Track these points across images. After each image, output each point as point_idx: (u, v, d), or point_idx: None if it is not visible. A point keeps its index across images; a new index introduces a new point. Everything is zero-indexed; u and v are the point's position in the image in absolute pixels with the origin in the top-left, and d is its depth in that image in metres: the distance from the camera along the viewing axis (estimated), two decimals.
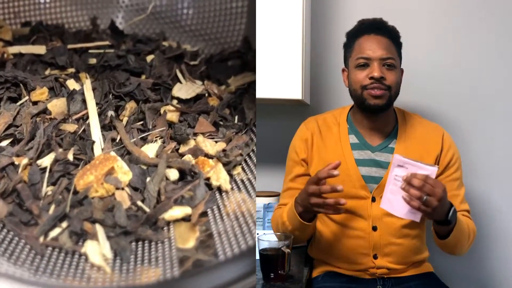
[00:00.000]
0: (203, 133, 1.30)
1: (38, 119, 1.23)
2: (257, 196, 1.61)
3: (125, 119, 1.31)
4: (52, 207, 1.06)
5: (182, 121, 1.34)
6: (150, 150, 1.20)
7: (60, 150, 1.16)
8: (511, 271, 1.80)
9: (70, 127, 1.22)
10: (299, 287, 1.27)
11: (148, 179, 1.14)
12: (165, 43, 1.65)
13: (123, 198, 1.10)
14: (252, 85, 1.54)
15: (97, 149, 1.18)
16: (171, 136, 1.27)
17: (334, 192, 1.19)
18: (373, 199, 1.39)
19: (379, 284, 1.40)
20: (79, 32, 1.62)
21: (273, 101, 1.66)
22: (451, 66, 1.78)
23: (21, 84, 1.31)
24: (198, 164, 1.20)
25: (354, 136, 1.44)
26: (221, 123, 1.35)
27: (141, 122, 1.32)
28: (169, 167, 1.17)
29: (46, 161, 1.13)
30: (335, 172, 1.19)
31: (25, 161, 1.10)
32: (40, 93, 1.29)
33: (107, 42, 1.53)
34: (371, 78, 1.33)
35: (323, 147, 1.43)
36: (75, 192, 1.08)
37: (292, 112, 1.81)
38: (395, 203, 1.21)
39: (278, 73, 1.53)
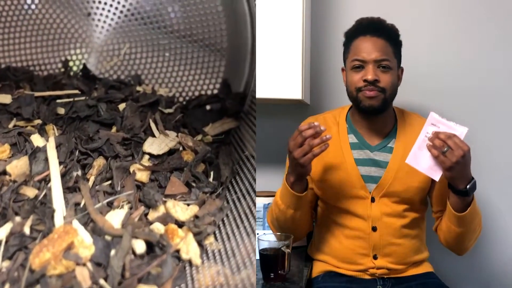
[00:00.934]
0: (174, 195, 1.23)
1: None
2: (257, 196, 1.61)
3: (91, 179, 1.24)
4: (7, 286, 0.98)
5: (154, 180, 1.27)
6: (115, 218, 1.13)
7: (18, 219, 1.08)
8: (511, 271, 1.83)
9: (30, 191, 1.14)
10: (299, 287, 1.29)
11: (112, 252, 1.06)
12: (140, 88, 1.57)
13: (84, 276, 1.02)
14: (228, 133, 1.49)
15: (58, 217, 1.10)
16: (140, 199, 1.20)
17: (312, 129, 1.23)
18: (373, 199, 1.41)
19: (379, 284, 1.42)
20: (49, 77, 1.54)
21: (273, 101, 1.67)
22: (451, 65, 1.80)
23: None
24: (167, 233, 1.13)
25: (353, 135, 1.46)
26: (194, 184, 1.28)
27: (109, 182, 1.24)
28: (135, 237, 1.09)
29: (1, 233, 1.05)
30: (316, 123, 1.24)
31: None
32: (1, 151, 1.21)
33: (76, 91, 1.45)
34: (365, 80, 1.36)
35: None
36: (32, 270, 1.00)
37: (292, 112, 1.82)
38: (419, 158, 1.27)
39: (278, 73, 1.54)
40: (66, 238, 1.04)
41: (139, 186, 1.23)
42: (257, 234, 1.42)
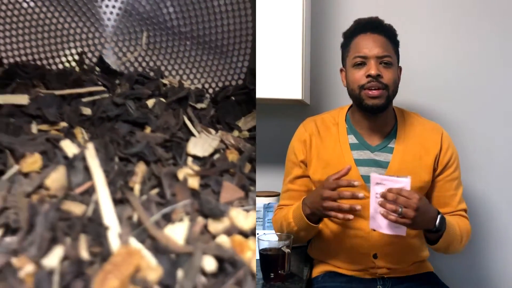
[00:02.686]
0: (231, 202, 1.12)
1: (35, 197, 1.01)
2: (257, 196, 1.63)
3: (136, 188, 1.11)
4: None
5: (204, 185, 1.15)
6: (177, 232, 1.00)
7: (69, 241, 0.94)
8: (510, 271, 1.85)
9: (76, 207, 1.00)
10: (299, 287, 1.29)
11: (180, 272, 0.95)
12: (165, 81, 1.44)
13: None
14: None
15: (113, 236, 0.97)
16: (197, 209, 1.08)
17: (354, 199, 1.23)
18: None
19: (379, 284, 1.42)
20: (63, 73, 1.38)
21: (273, 101, 1.67)
22: (451, 65, 1.81)
23: (7, 151, 1.08)
24: (235, 248, 1.01)
25: (353, 136, 1.45)
26: (252, 188, 1.16)
27: (157, 190, 1.12)
28: (203, 254, 0.98)
29: (53, 260, 0.91)
30: (356, 182, 1.24)
31: (29, 268, 0.88)
32: (32, 162, 1.06)
33: (101, 88, 1.31)
34: (368, 76, 1.34)
35: (322, 147, 1.45)
36: None
37: (292, 112, 1.84)
38: (379, 221, 1.26)
39: (278, 73, 1.54)
40: (131, 261, 0.91)
41: (193, 193, 1.11)
42: (257, 234, 1.44)
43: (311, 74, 1.81)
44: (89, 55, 1.47)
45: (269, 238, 1.33)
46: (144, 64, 1.49)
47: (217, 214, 1.05)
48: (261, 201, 1.63)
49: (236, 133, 1.37)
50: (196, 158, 1.21)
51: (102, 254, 0.94)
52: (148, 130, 1.25)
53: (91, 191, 1.06)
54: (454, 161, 1.44)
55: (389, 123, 1.44)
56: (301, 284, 1.30)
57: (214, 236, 1.04)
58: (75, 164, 1.08)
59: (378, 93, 1.34)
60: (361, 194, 1.22)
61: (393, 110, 1.46)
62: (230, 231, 1.05)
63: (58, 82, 1.33)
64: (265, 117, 1.85)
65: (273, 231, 1.47)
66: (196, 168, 1.16)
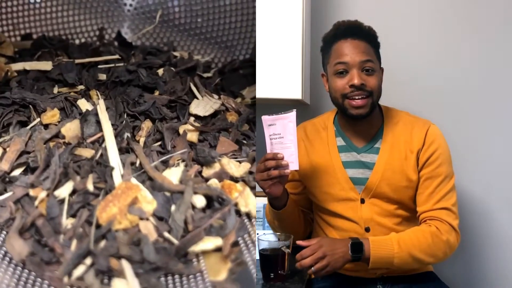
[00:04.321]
0: (226, 154, 1.27)
1: (51, 144, 1.19)
2: (256, 196, 1.60)
3: (141, 140, 1.28)
4: (74, 242, 1.02)
5: (202, 140, 1.31)
6: (173, 175, 1.16)
7: (78, 178, 1.12)
8: (510, 271, 1.83)
9: (86, 152, 1.18)
10: (299, 287, 1.30)
11: (173, 207, 1.11)
12: (176, 53, 1.61)
13: (149, 229, 1.06)
14: None
15: (117, 176, 1.14)
16: (193, 158, 1.24)
17: (276, 160, 1.25)
18: (362, 201, 1.41)
19: (379, 284, 1.43)
20: (84, 45, 1.57)
21: (273, 101, 1.68)
22: (451, 65, 1.80)
23: (30, 106, 1.27)
24: (224, 189, 1.16)
25: (341, 138, 1.46)
26: (244, 141, 1.31)
27: (159, 143, 1.28)
28: (195, 192, 1.13)
29: (64, 191, 1.09)
30: (280, 154, 1.25)
31: (42, 194, 1.06)
32: (51, 115, 1.25)
33: (116, 56, 1.49)
34: (352, 86, 1.34)
35: (312, 151, 1.46)
36: (97, 225, 1.04)
37: None
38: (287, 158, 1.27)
39: (278, 73, 1.54)
40: (130, 194, 1.08)
41: (191, 145, 1.27)
42: (257, 234, 1.45)
43: (311, 74, 1.79)
44: (109, 31, 1.66)
45: (268, 238, 1.34)
46: (158, 39, 1.66)
47: (209, 160, 1.21)
48: (261, 201, 1.64)
49: (239, 99, 1.51)
50: (197, 117, 1.36)
51: (105, 189, 1.11)
52: (156, 93, 1.41)
53: (101, 141, 1.23)
54: (438, 157, 1.40)
55: (375, 124, 1.44)
56: (301, 284, 1.32)
57: (206, 180, 1.20)
58: (88, 118, 1.25)
59: (362, 103, 1.34)
60: (280, 155, 1.25)
61: (379, 111, 1.46)
62: (221, 177, 1.20)
63: (80, 52, 1.52)
64: None
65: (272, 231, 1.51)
66: (196, 124, 1.32)
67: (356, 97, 1.35)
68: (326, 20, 1.80)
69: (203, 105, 1.39)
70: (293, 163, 1.26)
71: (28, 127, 1.23)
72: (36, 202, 1.07)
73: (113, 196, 1.07)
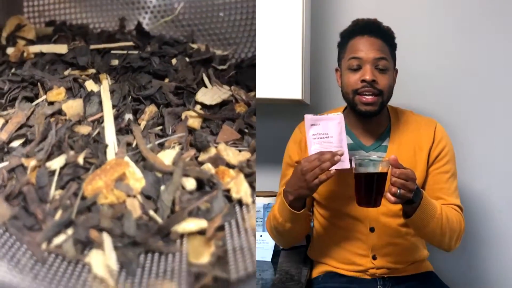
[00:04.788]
0: (226, 142, 1.28)
1: (52, 119, 1.24)
2: (257, 196, 1.68)
3: (143, 123, 1.31)
4: (59, 212, 1.06)
5: (205, 127, 1.33)
6: (166, 156, 1.19)
7: (72, 153, 1.16)
8: (510, 271, 1.88)
9: (84, 129, 1.23)
10: (299, 287, 1.32)
11: (162, 187, 1.13)
12: (194, 45, 1.64)
13: (134, 206, 1.08)
14: None
15: (110, 154, 1.18)
16: (191, 143, 1.26)
17: (336, 155, 1.25)
18: None
19: (379, 284, 1.46)
20: (103, 33, 1.64)
21: (273, 101, 1.71)
22: (451, 65, 1.85)
23: (38, 84, 1.33)
24: (218, 174, 1.18)
25: (348, 137, 1.47)
26: (247, 130, 1.33)
27: (160, 127, 1.31)
28: (186, 175, 1.15)
29: (55, 163, 1.13)
30: (339, 152, 1.25)
31: (33, 162, 1.11)
32: (57, 93, 1.31)
33: (131, 43, 1.54)
34: (363, 81, 1.37)
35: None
36: (84, 198, 1.08)
37: (292, 112, 1.87)
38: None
39: (278, 73, 1.58)
40: (118, 169, 1.11)
41: (191, 131, 1.30)
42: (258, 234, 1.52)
43: (311, 74, 1.84)
44: (130, 23, 1.72)
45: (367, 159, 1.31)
46: (178, 32, 1.71)
47: (204, 145, 1.22)
48: (261, 201, 1.68)
49: (252, 93, 1.53)
50: (204, 106, 1.39)
51: (96, 164, 1.15)
52: (166, 81, 1.45)
53: (101, 120, 1.28)
54: (446, 154, 1.45)
55: (383, 123, 1.47)
56: (301, 284, 1.34)
57: (201, 164, 1.21)
58: (92, 98, 1.31)
59: (372, 100, 1.37)
60: (340, 151, 1.26)
61: (387, 110, 1.49)
62: (216, 162, 1.21)
63: (97, 39, 1.58)
64: (265, 117, 1.89)
65: None
66: (199, 111, 1.34)
67: (367, 94, 1.38)
68: (326, 21, 1.89)
69: (211, 94, 1.41)
70: (344, 162, 1.28)
71: (34, 103, 1.29)
72: (28, 171, 1.11)
73: (101, 171, 1.10)
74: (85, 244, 1.03)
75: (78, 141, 1.18)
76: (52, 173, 1.12)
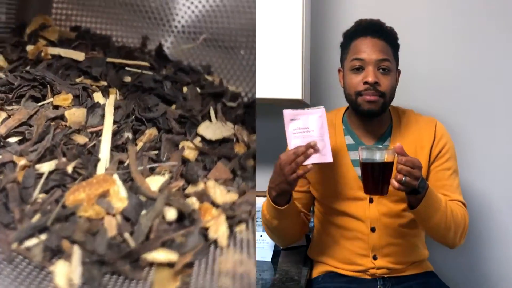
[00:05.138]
0: (216, 179, 1.31)
1: (52, 123, 1.28)
2: (257, 196, 1.68)
3: (140, 145, 1.35)
4: (37, 216, 1.10)
5: (199, 161, 1.36)
6: (154, 182, 1.23)
7: (63, 159, 1.20)
8: (510, 271, 1.92)
9: (81, 139, 1.27)
10: (299, 287, 1.36)
11: (143, 212, 1.16)
12: (209, 77, 1.69)
13: (111, 225, 1.12)
14: None
15: (101, 168, 1.22)
16: (182, 173, 1.29)
17: (310, 148, 1.31)
18: (371, 200, 1.48)
19: (380, 284, 1.50)
20: (123, 48, 1.69)
21: (273, 101, 1.74)
22: (452, 66, 1.90)
23: (48, 86, 1.38)
24: (200, 210, 1.21)
25: (349, 137, 1.53)
26: (239, 173, 1.36)
27: (156, 152, 1.35)
28: (168, 205, 1.18)
29: (45, 167, 1.17)
30: (312, 143, 1.32)
31: (23, 162, 1.15)
32: (64, 99, 1.35)
33: (147, 63, 1.59)
34: (365, 83, 1.41)
35: None
36: (64, 207, 1.11)
37: None
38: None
39: (278, 73, 1.61)
40: (103, 185, 1.15)
41: (185, 162, 1.33)
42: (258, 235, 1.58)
43: (311, 74, 1.88)
44: (153, 43, 1.77)
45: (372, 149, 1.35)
46: (197, 61, 1.76)
47: (194, 179, 1.26)
48: (260, 201, 1.67)
49: (254, 136, 1.57)
50: (204, 139, 1.42)
51: (84, 176, 1.18)
52: (173, 107, 1.49)
53: (100, 133, 1.32)
54: (447, 151, 1.51)
55: (384, 123, 1.52)
56: (301, 284, 1.38)
57: (187, 197, 1.24)
58: (96, 109, 1.35)
59: (375, 99, 1.42)
60: (313, 142, 1.32)
61: (388, 110, 1.53)
62: (202, 198, 1.24)
63: (116, 53, 1.64)
64: (265, 117, 1.92)
65: None
66: (198, 144, 1.38)
67: (369, 94, 1.42)
68: (326, 21, 1.94)
69: (214, 128, 1.45)
70: (326, 156, 1.33)
71: (39, 104, 1.33)
72: (17, 169, 1.15)
73: (87, 183, 1.14)
74: (54, 253, 1.06)
75: (73, 149, 1.22)
76: (40, 175, 1.16)
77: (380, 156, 1.29)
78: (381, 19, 1.50)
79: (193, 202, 1.22)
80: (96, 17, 1.75)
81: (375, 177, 1.30)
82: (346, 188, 1.48)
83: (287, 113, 1.36)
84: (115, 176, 1.19)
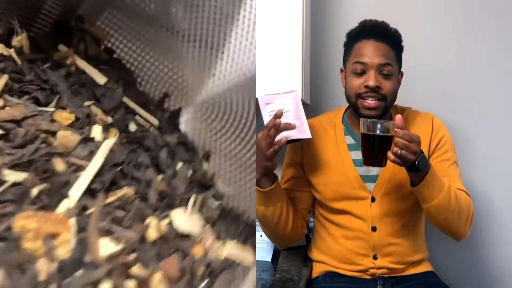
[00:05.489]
0: (164, 273, 1.24)
1: (42, 135, 1.22)
2: None
3: (112, 198, 1.27)
4: None
5: (157, 245, 1.29)
6: (106, 247, 1.15)
7: (34, 178, 1.12)
8: (511, 271, 1.98)
9: (60, 166, 1.20)
10: (299, 287, 1.39)
11: (79, 272, 1.08)
12: (205, 164, 1.65)
13: (43, 269, 1.03)
14: None
15: (64, 206, 1.14)
16: (135, 250, 1.22)
17: (277, 118, 1.35)
18: (373, 199, 1.54)
19: (380, 284, 1.55)
20: (143, 95, 1.65)
21: None
22: (452, 66, 1.97)
23: (58, 95, 1.33)
24: None
25: (350, 137, 1.59)
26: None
27: (124, 214, 1.28)
28: (108, 277, 1.11)
29: (11, 176, 1.10)
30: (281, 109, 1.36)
31: None
32: (66, 117, 1.30)
33: (156, 122, 1.55)
34: (366, 86, 1.46)
35: (319, 149, 1.59)
36: (9, 228, 1.03)
37: None
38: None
39: (278, 73, 1.66)
40: (57, 227, 1.07)
41: (143, 239, 1.26)
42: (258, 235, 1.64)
43: (311, 74, 1.91)
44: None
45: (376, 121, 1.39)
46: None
47: (144, 262, 1.18)
48: None
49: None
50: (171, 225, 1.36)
51: (44, 205, 1.11)
52: (160, 177, 1.44)
53: (81, 169, 1.25)
54: (445, 142, 1.55)
55: None
56: (301, 284, 1.41)
57: (129, 277, 1.17)
58: (89, 143, 1.29)
59: (375, 105, 1.46)
60: (280, 111, 1.35)
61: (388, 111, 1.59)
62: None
63: (135, 96, 1.59)
64: None
65: None
66: (162, 230, 1.31)
67: (369, 99, 1.47)
68: (326, 21, 1.99)
69: (186, 219, 1.39)
70: (304, 132, 1.39)
71: (39, 108, 1.28)
72: None
73: (43, 217, 1.07)
74: None
75: (48, 172, 1.15)
76: (2, 182, 1.08)
77: (381, 128, 1.33)
78: (380, 19, 1.53)
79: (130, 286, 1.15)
80: (137, 48, 1.67)
81: (375, 149, 1.35)
82: (348, 187, 1.52)
83: (261, 97, 1.41)
84: (72, 222, 1.12)
